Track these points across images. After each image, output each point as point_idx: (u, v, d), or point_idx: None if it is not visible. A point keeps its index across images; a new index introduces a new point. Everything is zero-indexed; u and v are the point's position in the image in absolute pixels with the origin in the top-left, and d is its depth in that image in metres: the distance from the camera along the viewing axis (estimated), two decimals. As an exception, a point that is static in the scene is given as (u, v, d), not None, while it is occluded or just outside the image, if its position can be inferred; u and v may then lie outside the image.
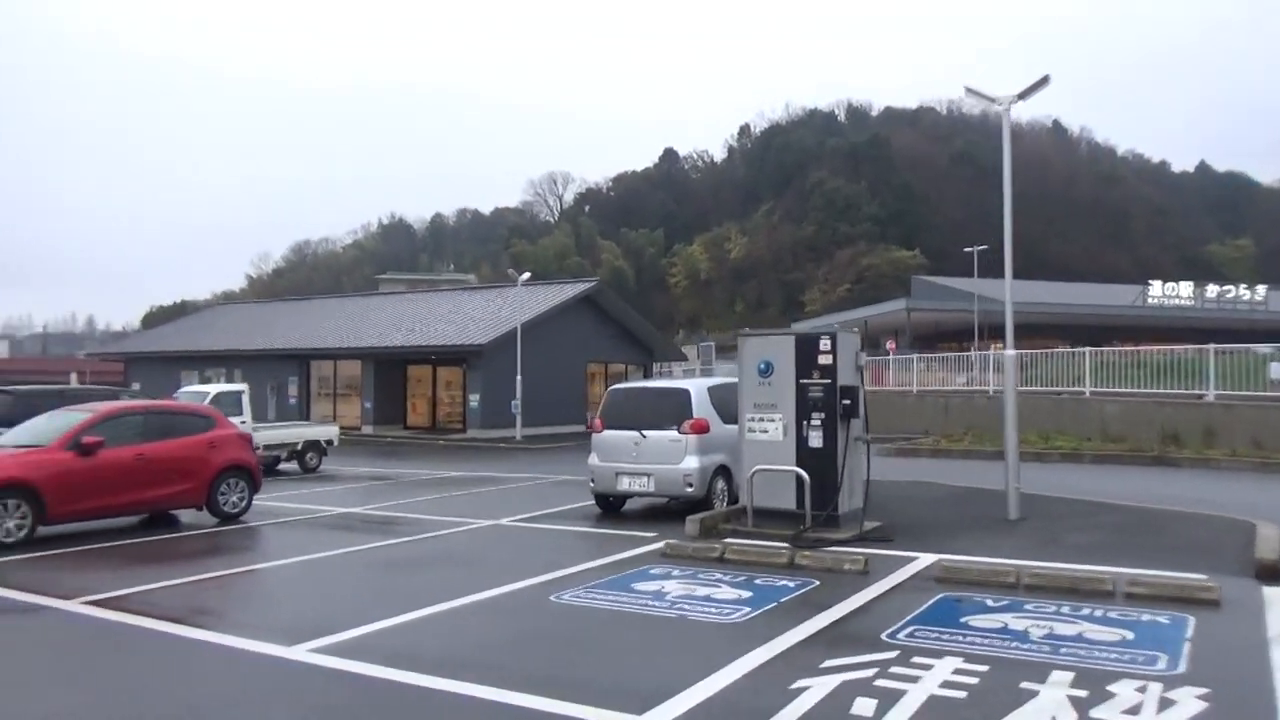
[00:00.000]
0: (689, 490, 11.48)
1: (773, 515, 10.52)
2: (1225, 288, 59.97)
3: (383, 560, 9.45)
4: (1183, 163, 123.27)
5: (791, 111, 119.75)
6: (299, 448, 19.22)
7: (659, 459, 11.64)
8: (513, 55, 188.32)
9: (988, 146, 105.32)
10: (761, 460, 10.49)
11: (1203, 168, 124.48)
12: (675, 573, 8.42)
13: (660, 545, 9.80)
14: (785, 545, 9.39)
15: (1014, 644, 5.99)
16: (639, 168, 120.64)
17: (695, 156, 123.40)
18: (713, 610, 7.04)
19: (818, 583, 7.95)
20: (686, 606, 7.18)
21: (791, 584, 7.94)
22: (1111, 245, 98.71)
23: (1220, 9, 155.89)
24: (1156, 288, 58.30)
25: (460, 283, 64.81)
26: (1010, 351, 11.25)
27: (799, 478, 10.18)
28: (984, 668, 5.49)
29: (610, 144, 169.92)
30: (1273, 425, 18.75)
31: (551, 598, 7.51)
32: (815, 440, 10.33)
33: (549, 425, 29.46)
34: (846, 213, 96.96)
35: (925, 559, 8.87)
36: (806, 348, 10.43)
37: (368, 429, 30.08)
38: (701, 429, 11.65)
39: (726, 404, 12.30)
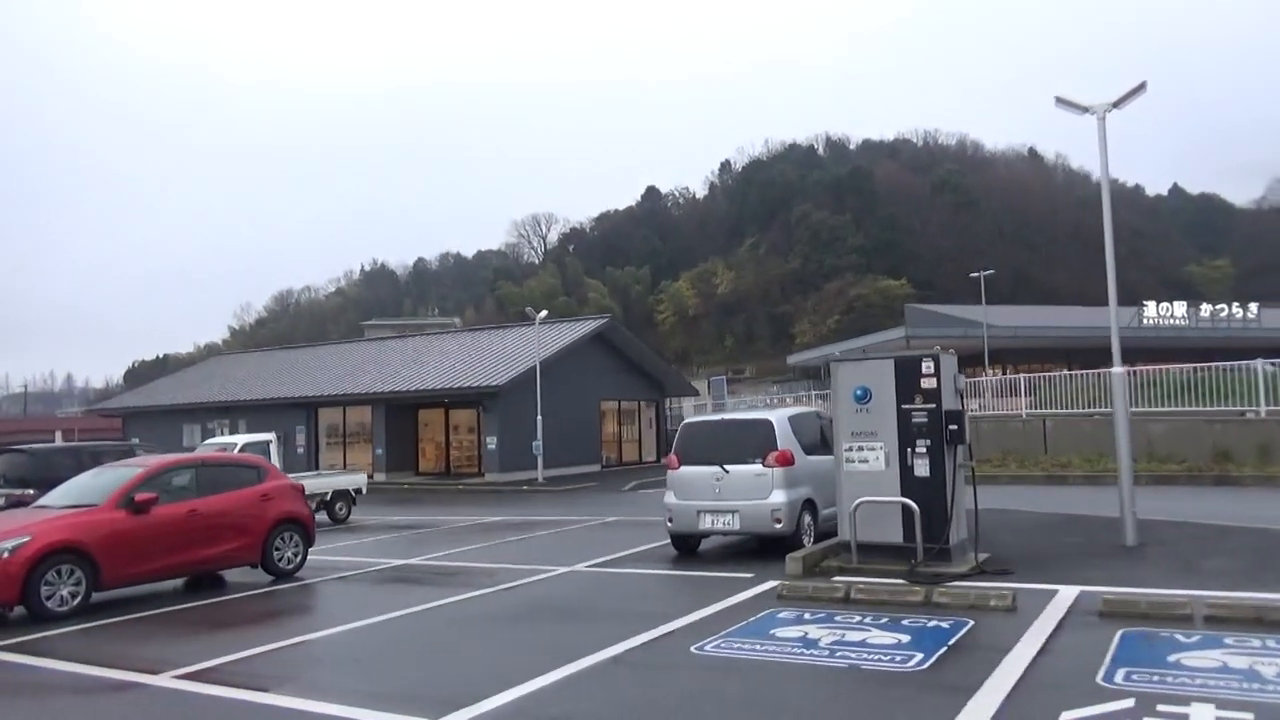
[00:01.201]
0: (777, 527, 10.85)
1: (877, 550, 9.91)
2: (1219, 306, 60.25)
3: (480, 615, 8.73)
4: (1156, 186, 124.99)
5: (771, 146, 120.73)
6: (328, 498, 18.42)
7: (744, 495, 11.02)
8: (490, 96, 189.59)
9: (967, 174, 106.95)
10: (862, 491, 9.89)
11: (1176, 190, 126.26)
12: (807, 616, 7.79)
13: (766, 586, 9.19)
14: (909, 582, 8.78)
15: (1256, 685, 5.39)
16: (622, 206, 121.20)
17: (677, 194, 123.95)
18: (884, 658, 6.40)
19: (971, 622, 7.33)
20: (850, 654, 6.54)
21: (945, 625, 7.31)
22: (1095, 270, 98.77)
23: (1185, 35, 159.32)
24: (1151, 308, 58.47)
25: (447, 326, 64.12)
26: (1119, 369, 10.76)
27: (907, 509, 9.60)
28: (1248, 715, 4.89)
29: (592, 184, 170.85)
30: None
31: (693, 649, 6.85)
32: (921, 469, 9.75)
33: (566, 466, 28.75)
34: (832, 245, 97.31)
35: (1067, 591, 8.29)
36: (907, 371, 9.89)
37: (380, 476, 29.22)
38: (787, 461, 11.06)
39: (805, 434, 11.77)
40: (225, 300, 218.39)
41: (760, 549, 11.72)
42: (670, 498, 11.57)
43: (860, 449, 10.08)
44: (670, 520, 11.53)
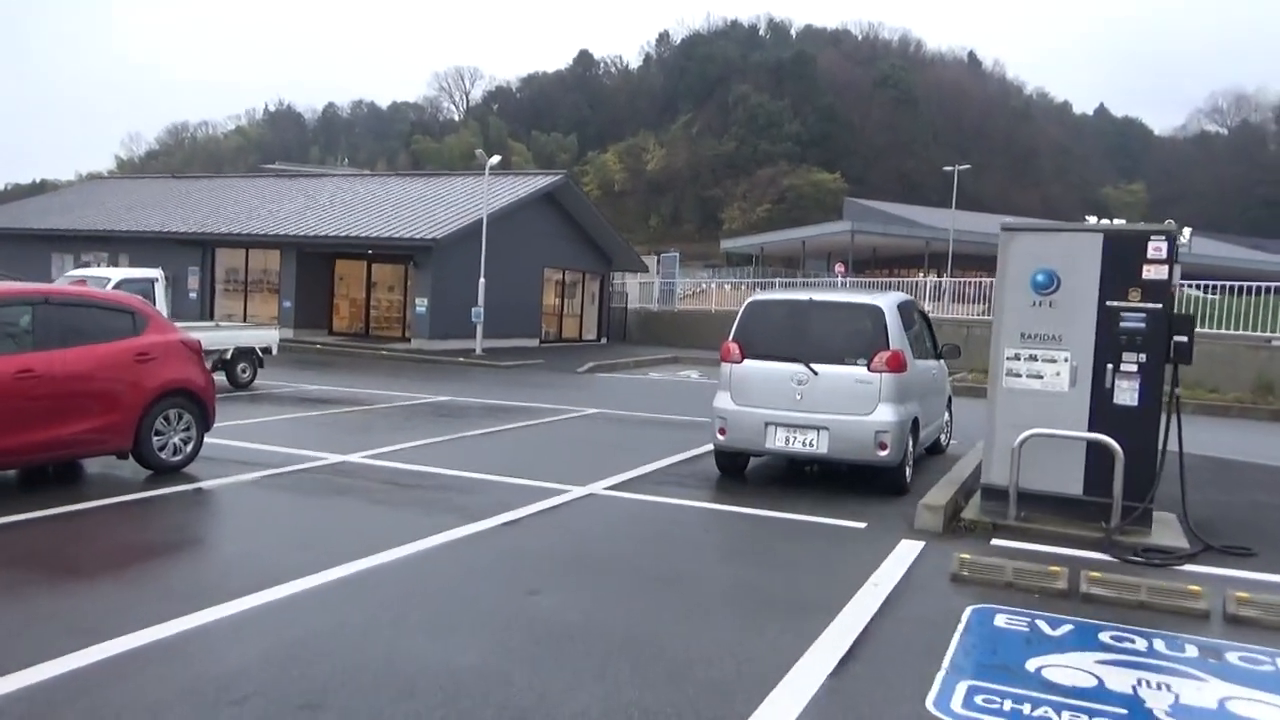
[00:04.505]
0: (882, 454, 7.83)
1: (1039, 501, 7.04)
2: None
3: (499, 568, 5.47)
4: (1083, 105, 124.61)
5: (712, 22, 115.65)
6: (228, 356, 14.64)
7: (837, 407, 7.92)
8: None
9: (909, 73, 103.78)
10: (1030, 419, 6.93)
11: (1102, 111, 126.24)
12: (1047, 628, 4.81)
13: (905, 551, 6.22)
14: (1120, 559, 5.94)
15: None
16: (551, 69, 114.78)
17: (611, 61, 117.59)
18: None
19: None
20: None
21: (1307, 667, 4.45)
22: (1021, 182, 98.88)
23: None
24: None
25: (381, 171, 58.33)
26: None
27: (1102, 450, 6.68)
28: None
29: (521, 40, 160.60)
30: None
31: (931, 706, 3.79)
32: (1126, 395, 6.81)
33: (503, 338, 25.28)
34: (768, 130, 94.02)
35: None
36: (1122, 252, 6.81)
37: (287, 333, 25.18)
38: (900, 366, 7.97)
39: (910, 329, 8.71)
40: (113, 131, 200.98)
41: (832, 476, 8.75)
42: (725, 401, 8.39)
43: (1033, 359, 7.06)
44: (722, 431, 8.38)
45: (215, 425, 8.65)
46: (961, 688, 3.98)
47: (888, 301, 8.30)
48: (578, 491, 7.80)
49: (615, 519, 7.04)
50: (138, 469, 7.91)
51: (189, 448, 8.11)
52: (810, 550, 6.30)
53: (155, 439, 7.80)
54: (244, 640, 4.29)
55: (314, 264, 26.59)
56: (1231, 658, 4.52)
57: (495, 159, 24.53)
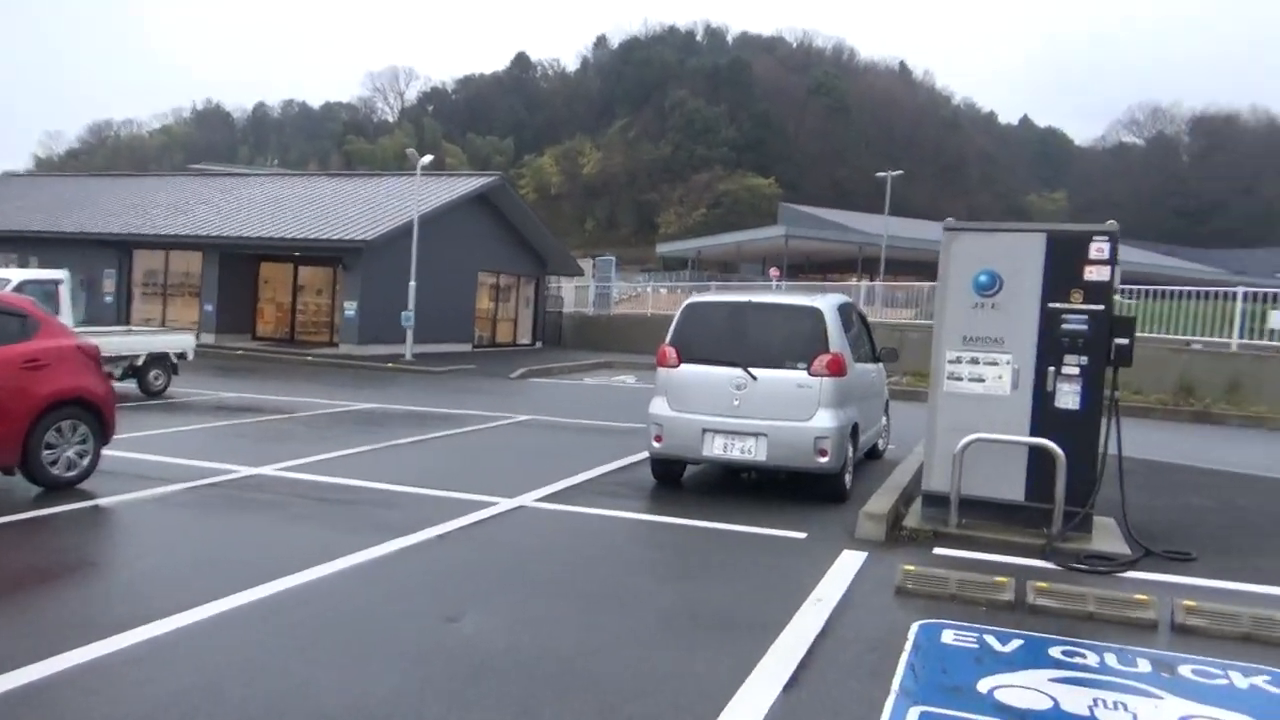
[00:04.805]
0: (821, 461, 7.61)
1: (980, 508, 6.89)
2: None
3: (421, 591, 5.08)
4: (1008, 115, 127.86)
5: (650, 26, 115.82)
6: (140, 362, 13.88)
7: (776, 413, 7.68)
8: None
9: (842, 81, 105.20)
10: (971, 422, 6.77)
11: (1026, 121, 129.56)
12: (998, 645, 4.60)
13: (848, 563, 5.99)
14: (1065, 568, 5.81)
15: None
16: (488, 71, 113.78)
17: (548, 65, 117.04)
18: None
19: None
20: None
21: (1259, 678, 4.29)
22: (949, 190, 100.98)
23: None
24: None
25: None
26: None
27: (1044, 455, 6.55)
28: None
29: (458, 42, 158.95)
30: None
31: (883, 737, 3.54)
32: (1067, 399, 6.69)
33: (435, 343, 24.67)
34: (705, 135, 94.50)
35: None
36: (1065, 253, 6.70)
37: (208, 338, 24.24)
38: (840, 370, 7.77)
39: (849, 332, 8.53)
40: (31, 130, 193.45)
41: (771, 483, 8.52)
42: (661, 407, 8.10)
43: (975, 362, 6.90)
44: (659, 439, 8.08)
45: (118, 437, 8.08)
46: (913, 715, 3.73)
47: (827, 303, 8.09)
48: (507, 504, 7.42)
49: (546, 533, 6.69)
50: (28, 486, 7.31)
51: (85, 462, 7.52)
52: (750, 564, 6.03)
53: (46, 453, 7.21)
54: (139, 678, 3.85)
55: (238, 266, 25.65)
56: (1185, 672, 4.36)
57: (427, 158, 23.90)
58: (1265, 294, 19.78)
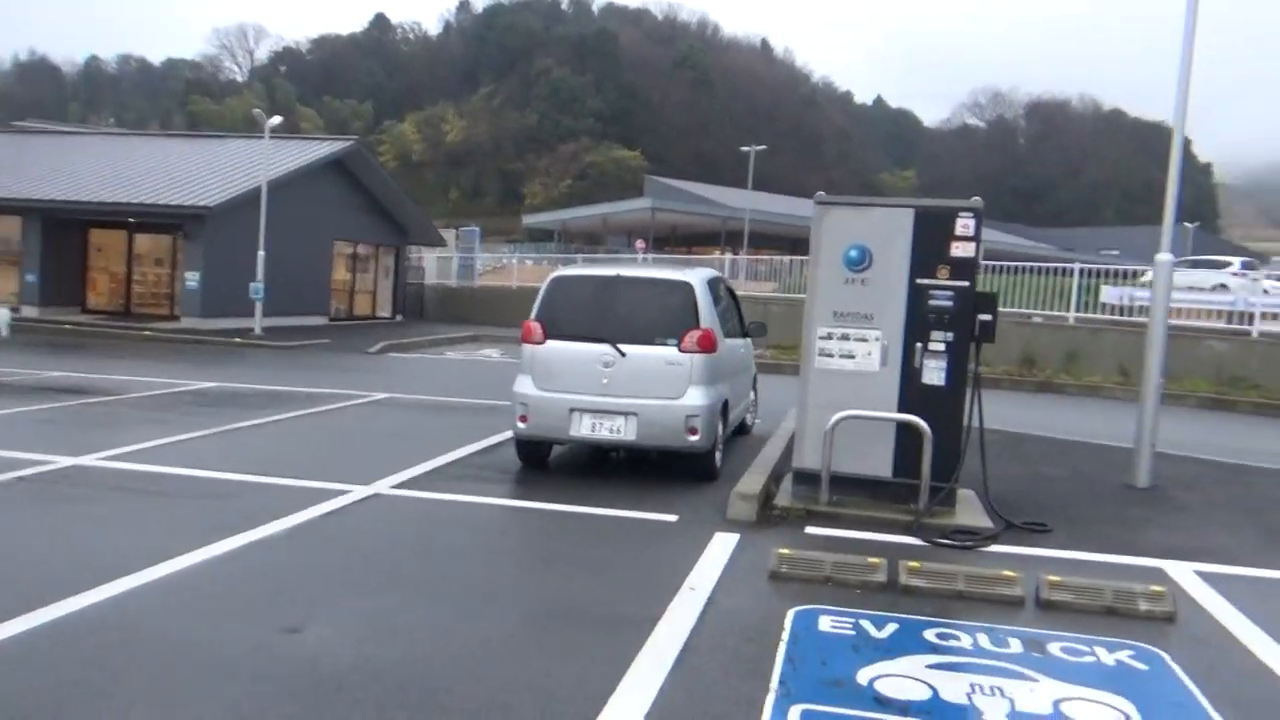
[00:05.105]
0: (692, 440, 7.42)
1: (849, 485, 6.85)
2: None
3: (258, 597, 4.58)
4: (863, 95, 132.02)
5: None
6: (-57, 340, 12.49)
7: (646, 391, 7.44)
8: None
9: (707, 56, 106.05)
10: (842, 399, 6.71)
11: (879, 102, 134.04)
12: (874, 630, 4.49)
13: (721, 545, 5.84)
14: (931, 543, 5.82)
15: None
16: (345, 31, 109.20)
17: (409, 28, 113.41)
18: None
19: (1162, 653, 4.38)
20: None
21: (1123, 653, 4.33)
22: (808, 166, 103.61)
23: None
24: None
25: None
26: (1165, 256, 8.19)
27: (912, 431, 6.54)
28: None
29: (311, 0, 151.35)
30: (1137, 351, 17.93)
31: (764, 742, 3.33)
32: (933, 375, 6.70)
33: (288, 316, 23.42)
34: (571, 105, 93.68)
35: (1183, 573, 5.68)
36: (933, 228, 6.67)
37: (31, 311, 22.21)
38: (710, 346, 7.58)
39: (719, 306, 8.37)
40: None
41: (640, 463, 8.30)
42: (527, 386, 7.72)
43: (845, 338, 6.83)
44: (524, 419, 7.71)
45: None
46: (795, 713, 3.54)
47: (697, 278, 7.88)
48: (361, 492, 6.92)
49: (402, 524, 6.24)
50: None
51: None
52: (621, 551, 5.77)
53: None
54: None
55: (65, 233, 23.56)
56: (1054, 650, 4.35)
57: (277, 120, 22.46)
58: (1099, 270, 20.96)
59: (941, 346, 6.66)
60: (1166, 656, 4.34)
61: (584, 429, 7.52)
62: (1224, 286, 22.90)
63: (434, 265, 33.58)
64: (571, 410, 7.52)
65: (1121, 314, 19.68)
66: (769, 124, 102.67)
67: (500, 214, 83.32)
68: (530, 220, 68.49)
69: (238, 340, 19.91)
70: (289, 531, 5.83)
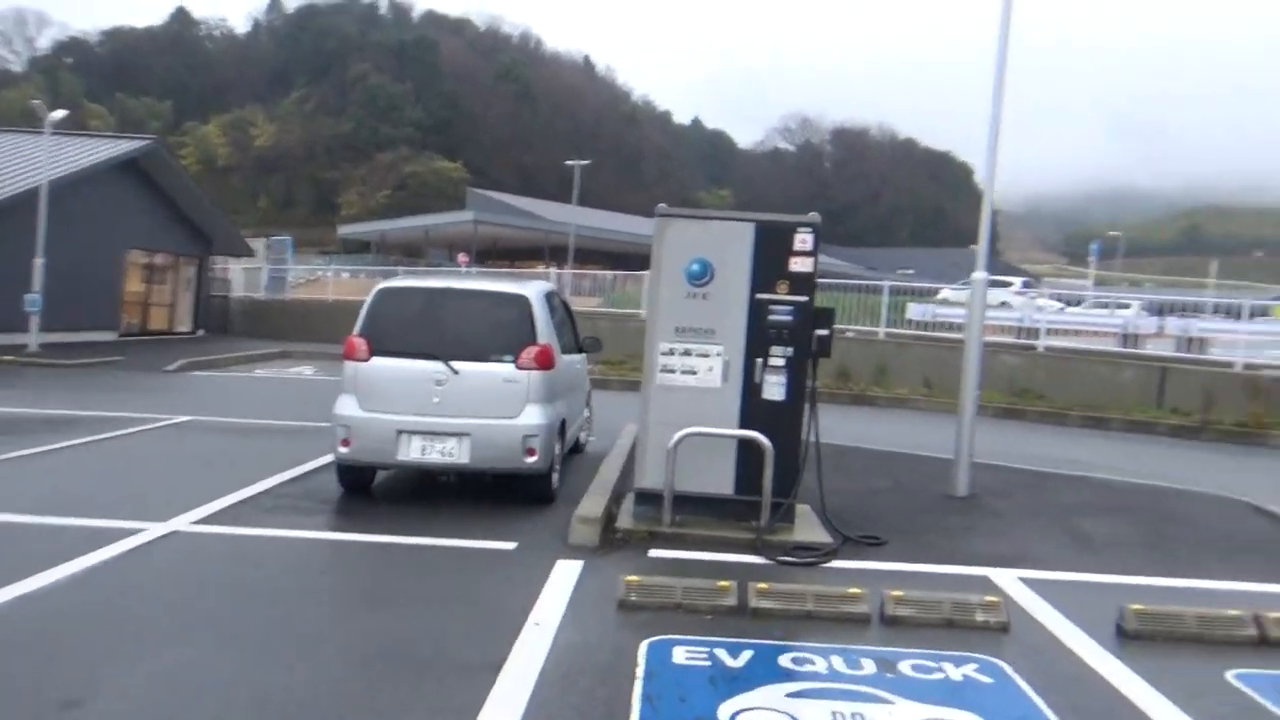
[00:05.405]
0: (530, 461, 7.07)
1: (692, 503, 6.71)
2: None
3: (40, 668, 3.87)
4: (682, 116, 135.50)
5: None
6: None
7: (480, 410, 7.04)
8: None
9: (529, 69, 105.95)
10: (684, 416, 6.56)
11: (697, 123, 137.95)
12: (729, 660, 4.31)
13: (564, 574, 5.55)
14: (777, 562, 5.75)
15: None
16: (141, 24, 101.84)
17: (214, 24, 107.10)
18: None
19: (1003, 664, 4.43)
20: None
21: (968, 667, 4.35)
22: (629, 183, 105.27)
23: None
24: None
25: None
26: (981, 274, 8.52)
27: (754, 448, 6.47)
28: None
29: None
30: (945, 363, 18.95)
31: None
32: (774, 390, 6.66)
33: (71, 331, 21.25)
34: (389, 113, 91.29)
35: (1008, 580, 5.85)
36: (773, 243, 6.65)
37: None
38: (548, 363, 7.28)
39: (555, 321, 8.10)
40: None
41: (472, 485, 7.88)
42: (350, 406, 7.15)
43: (687, 353, 6.70)
44: (346, 442, 7.12)
45: None
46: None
47: (534, 291, 7.57)
48: (157, 530, 6.16)
49: (205, 567, 5.58)
50: None
51: None
52: (458, 585, 5.37)
53: None
54: None
55: None
56: (905, 669, 4.31)
57: (60, 114, 20.38)
58: (906, 289, 22.15)
59: (782, 362, 6.63)
60: (1007, 667, 4.40)
61: (413, 452, 7.03)
62: (1006, 304, 24.75)
63: (241, 277, 31.49)
64: (399, 432, 7.02)
65: (925, 329, 20.80)
66: (591, 140, 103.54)
67: (314, 224, 79.80)
68: (346, 231, 65.97)
69: (9, 358, 17.85)
70: (70, 581, 5.08)
